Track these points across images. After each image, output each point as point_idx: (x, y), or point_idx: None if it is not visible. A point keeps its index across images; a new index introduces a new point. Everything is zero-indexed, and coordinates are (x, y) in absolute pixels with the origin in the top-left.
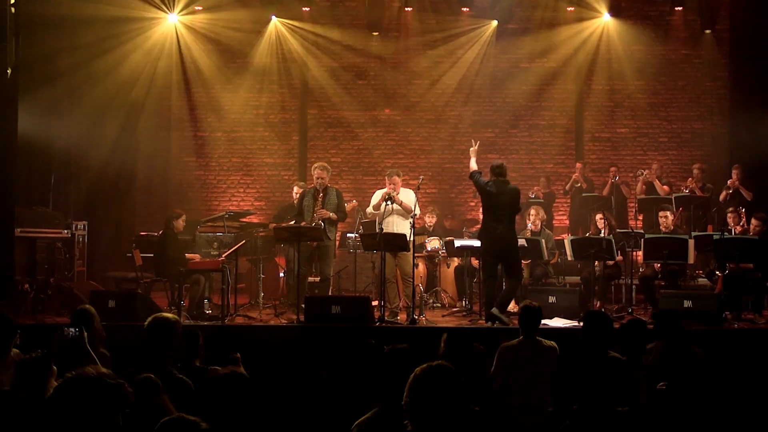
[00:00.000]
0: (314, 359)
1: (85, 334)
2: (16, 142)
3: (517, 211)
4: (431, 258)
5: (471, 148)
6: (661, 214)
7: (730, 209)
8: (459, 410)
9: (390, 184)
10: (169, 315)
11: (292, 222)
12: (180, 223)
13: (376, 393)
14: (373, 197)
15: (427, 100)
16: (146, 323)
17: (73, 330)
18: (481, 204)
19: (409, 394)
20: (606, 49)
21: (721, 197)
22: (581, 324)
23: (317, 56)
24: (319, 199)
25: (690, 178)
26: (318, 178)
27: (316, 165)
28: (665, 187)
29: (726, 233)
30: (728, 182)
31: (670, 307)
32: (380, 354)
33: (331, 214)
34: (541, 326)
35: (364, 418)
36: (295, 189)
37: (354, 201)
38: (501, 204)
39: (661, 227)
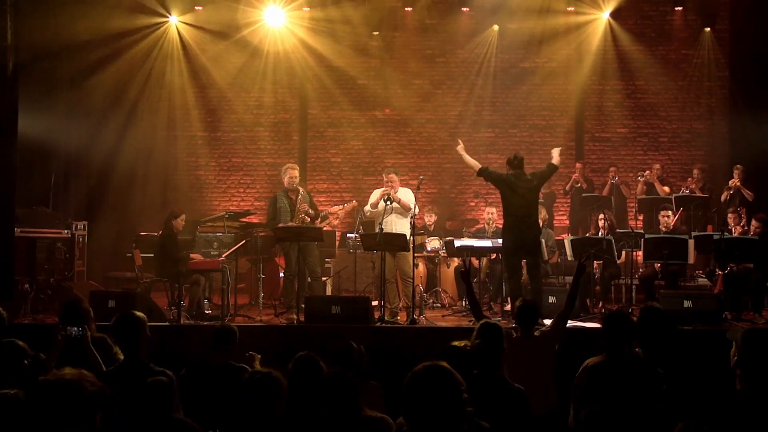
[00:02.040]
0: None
1: (88, 333)
2: (16, 142)
3: (540, 187)
4: (431, 258)
5: (458, 147)
6: (662, 213)
7: (731, 209)
8: (455, 410)
9: (387, 182)
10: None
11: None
12: (180, 223)
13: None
14: (371, 196)
15: (427, 99)
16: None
17: (75, 329)
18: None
19: (405, 394)
20: (606, 49)
21: (723, 197)
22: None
23: (317, 56)
24: (298, 199)
25: (690, 179)
26: (292, 178)
27: (288, 166)
28: (665, 188)
29: (726, 233)
30: (729, 182)
31: (670, 308)
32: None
33: (310, 210)
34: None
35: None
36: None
37: (354, 201)
38: (521, 199)
39: (661, 226)
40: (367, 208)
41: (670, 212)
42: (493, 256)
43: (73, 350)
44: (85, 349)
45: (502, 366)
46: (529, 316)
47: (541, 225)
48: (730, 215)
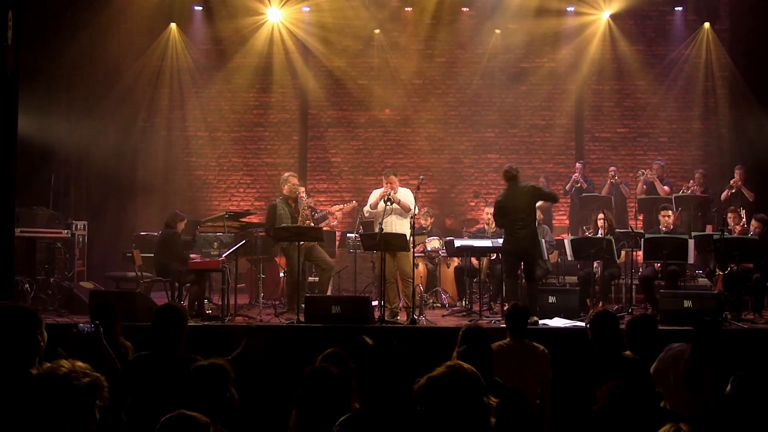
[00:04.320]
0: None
1: (101, 329)
2: (16, 142)
3: (537, 200)
4: (431, 258)
5: None
6: (662, 213)
7: (731, 209)
8: (471, 414)
9: (387, 184)
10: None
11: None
12: (181, 226)
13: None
14: (371, 196)
15: (427, 99)
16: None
17: (88, 326)
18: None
19: (424, 397)
20: (606, 49)
21: (723, 195)
22: (588, 325)
23: (317, 56)
24: (300, 206)
25: (691, 181)
26: (294, 185)
27: (288, 174)
28: (665, 187)
29: (726, 233)
30: (731, 182)
31: (670, 308)
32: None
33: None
34: (541, 326)
35: (345, 417)
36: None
37: (354, 201)
38: (514, 206)
39: (661, 226)
40: (367, 208)
41: (670, 212)
42: (493, 256)
43: (86, 347)
44: (98, 345)
45: (491, 369)
46: (520, 320)
47: (537, 224)
48: (730, 215)
